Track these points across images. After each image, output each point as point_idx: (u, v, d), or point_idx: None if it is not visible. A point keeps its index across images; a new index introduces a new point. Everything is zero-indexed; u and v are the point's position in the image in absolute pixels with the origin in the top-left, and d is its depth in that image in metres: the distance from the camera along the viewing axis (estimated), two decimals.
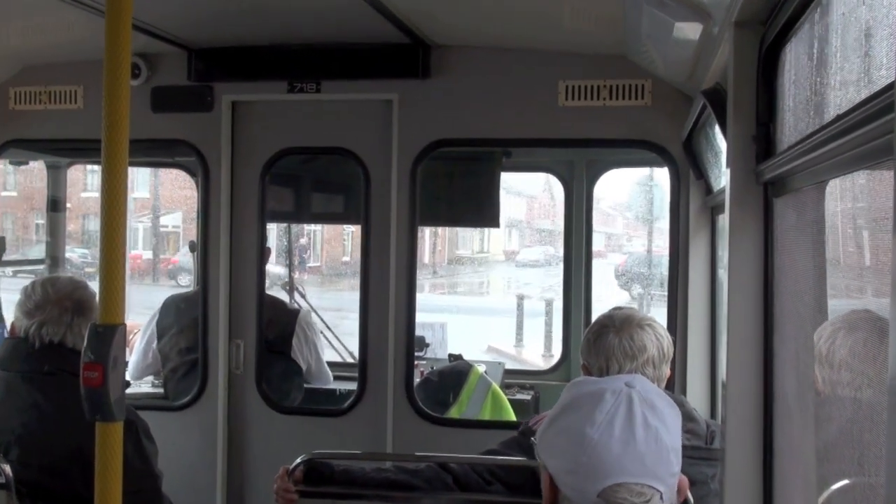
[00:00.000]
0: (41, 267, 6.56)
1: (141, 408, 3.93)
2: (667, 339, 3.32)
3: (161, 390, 5.59)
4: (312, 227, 28.85)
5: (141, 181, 30.08)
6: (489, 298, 33.03)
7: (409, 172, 4.93)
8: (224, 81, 5.11)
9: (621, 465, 2.03)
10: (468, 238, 37.62)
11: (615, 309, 3.42)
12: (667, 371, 3.32)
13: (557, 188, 6.96)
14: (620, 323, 3.28)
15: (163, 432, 4.01)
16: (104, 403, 2.37)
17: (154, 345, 5.43)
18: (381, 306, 4.99)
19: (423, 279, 32.61)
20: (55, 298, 3.64)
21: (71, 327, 3.62)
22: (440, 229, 30.75)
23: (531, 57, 4.78)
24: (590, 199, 6.76)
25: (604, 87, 4.70)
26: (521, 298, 21.29)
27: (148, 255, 32.87)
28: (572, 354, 6.80)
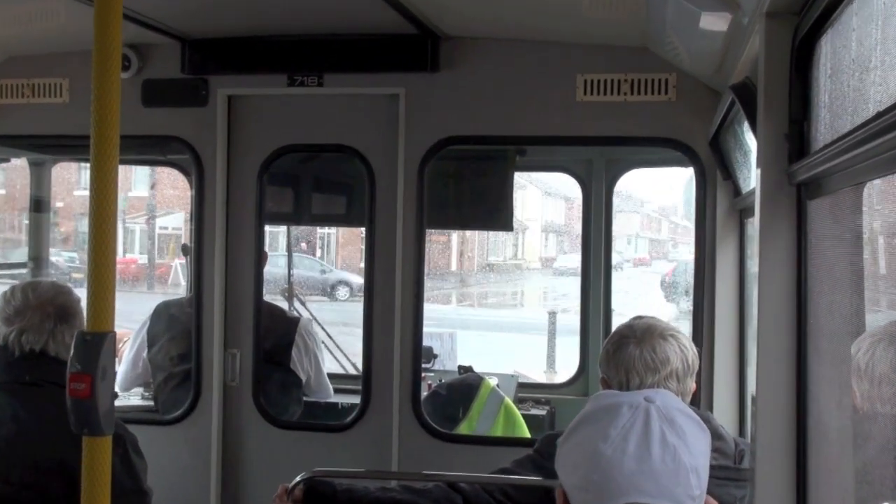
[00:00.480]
0: (24, 271, 6.58)
1: (130, 421, 3.94)
2: (691, 351, 3.31)
3: (151, 403, 5.61)
4: (326, 229, 28.64)
5: (139, 178, 30.12)
6: (521, 312, 31.80)
7: (417, 172, 4.94)
8: (220, 74, 5.12)
9: (634, 483, 2.03)
10: (500, 243, 36.30)
11: (636, 318, 3.41)
12: (692, 385, 3.31)
13: None
14: (642, 333, 3.27)
15: (153, 448, 4.02)
16: (92, 416, 2.37)
17: (144, 354, 5.45)
18: (387, 314, 4.99)
19: (449, 289, 32.04)
20: (36, 304, 3.65)
21: (53, 335, 3.63)
22: (468, 232, 29.70)
23: (547, 49, 4.78)
24: (609, 200, 6.76)
25: (625, 81, 4.70)
26: (553, 315, 19.92)
27: (144, 259, 32.79)
28: (590, 367, 6.79)
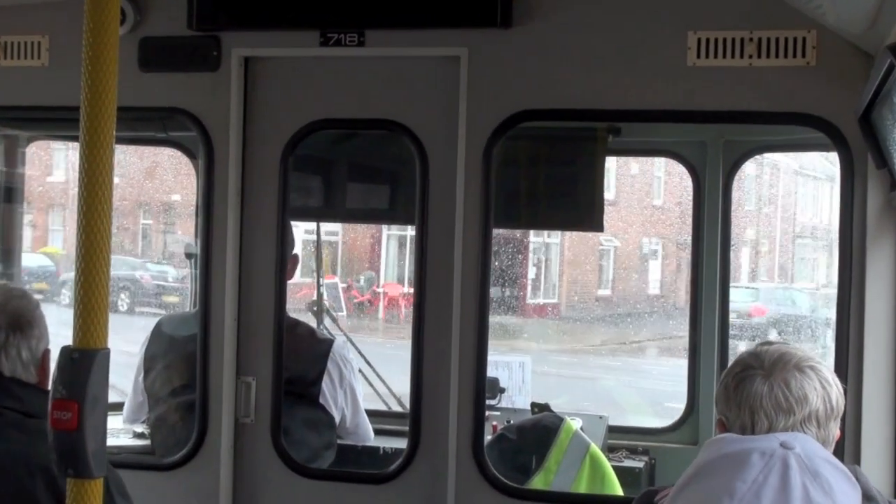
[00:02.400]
0: None
1: (119, 465, 4.00)
2: (836, 388, 3.30)
3: (146, 442, 5.69)
4: (549, 238, 27.79)
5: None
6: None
7: (482, 155, 4.96)
8: (235, 31, 5.20)
9: None
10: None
11: (763, 344, 3.40)
12: (836, 432, 3.29)
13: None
14: (771, 363, 3.26)
15: (147, 499, 4.09)
16: (79, 454, 2.43)
17: (140, 379, 5.54)
18: (442, 337, 5.02)
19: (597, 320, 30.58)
20: None
21: (6, 349, 3.70)
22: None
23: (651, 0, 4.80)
24: (728, 192, 6.74)
25: (750, 40, 4.68)
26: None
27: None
28: (700, 406, 6.77)
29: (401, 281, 31.26)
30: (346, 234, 31.45)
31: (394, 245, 32.09)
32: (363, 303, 30.53)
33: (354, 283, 31.35)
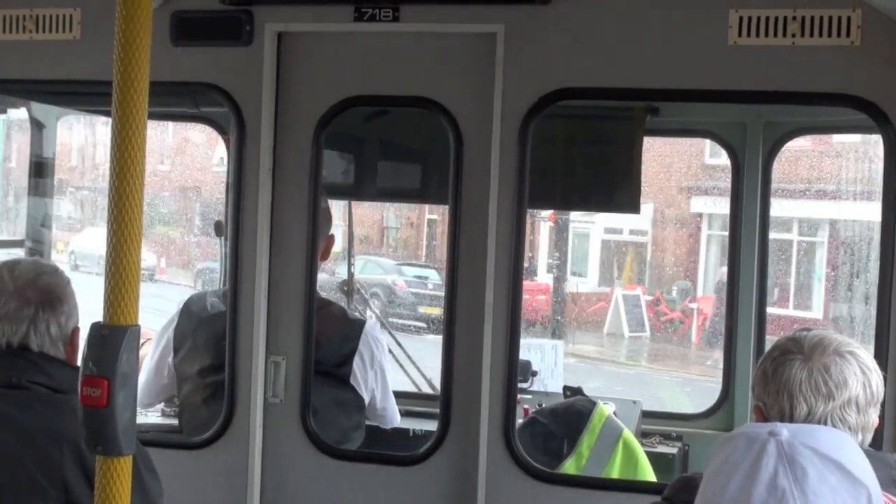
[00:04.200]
0: (19, 251, 6.75)
1: (147, 443, 4.03)
2: (876, 375, 3.29)
3: (174, 421, 5.72)
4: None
5: None
6: None
7: (518, 134, 4.95)
8: (268, 4, 5.20)
9: None
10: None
11: (802, 329, 3.39)
12: (874, 419, 3.28)
13: None
14: (811, 348, 3.25)
15: (175, 477, 4.13)
16: (108, 431, 2.46)
17: (169, 359, 5.56)
18: (474, 319, 5.03)
19: None
20: (14, 287, 3.77)
21: (35, 324, 3.75)
22: None
23: None
24: (767, 174, 6.72)
25: (793, 18, 4.65)
26: None
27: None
28: (736, 391, 6.76)
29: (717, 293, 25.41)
30: (657, 233, 27.08)
31: (715, 248, 26.72)
32: (673, 321, 25.83)
33: (664, 295, 26.48)
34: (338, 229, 7.07)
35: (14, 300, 3.76)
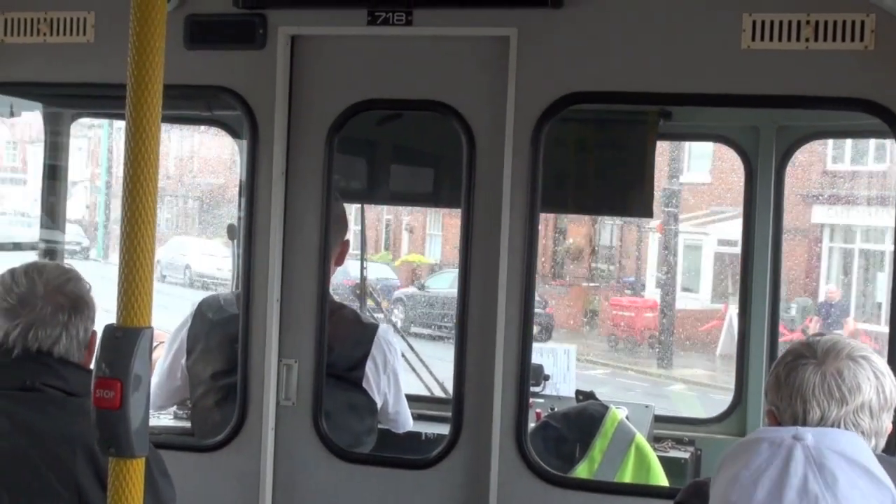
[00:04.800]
0: (32, 253, 6.76)
1: (159, 446, 4.05)
2: (889, 379, 3.29)
3: (187, 423, 5.73)
4: None
5: None
6: None
7: (531, 138, 4.95)
8: (282, 9, 5.21)
9: None
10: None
11: (815, 335, 3.40)
12: (888, 424, 3.28)
13: None
14: (824, 353, 3.25)
15: (187, 479, 4.12)
16: (121, 433, 2.46)
17: (183, 361, 5.57)
18: (487, 322, 5.03)
19: None
20: (45, 292, 3.78)
21: (67, 329, 3.76)
22: None
23: None
24: (780, 179, 6.71)
25: (807, 23, 4.64)
26: None
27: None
28: (749, 395, 6.75)
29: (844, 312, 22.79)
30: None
31: (837, 258, 24.32)
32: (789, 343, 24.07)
33: (784, 313, 24.06)
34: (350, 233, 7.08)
35: (49, 305, 3.75)
